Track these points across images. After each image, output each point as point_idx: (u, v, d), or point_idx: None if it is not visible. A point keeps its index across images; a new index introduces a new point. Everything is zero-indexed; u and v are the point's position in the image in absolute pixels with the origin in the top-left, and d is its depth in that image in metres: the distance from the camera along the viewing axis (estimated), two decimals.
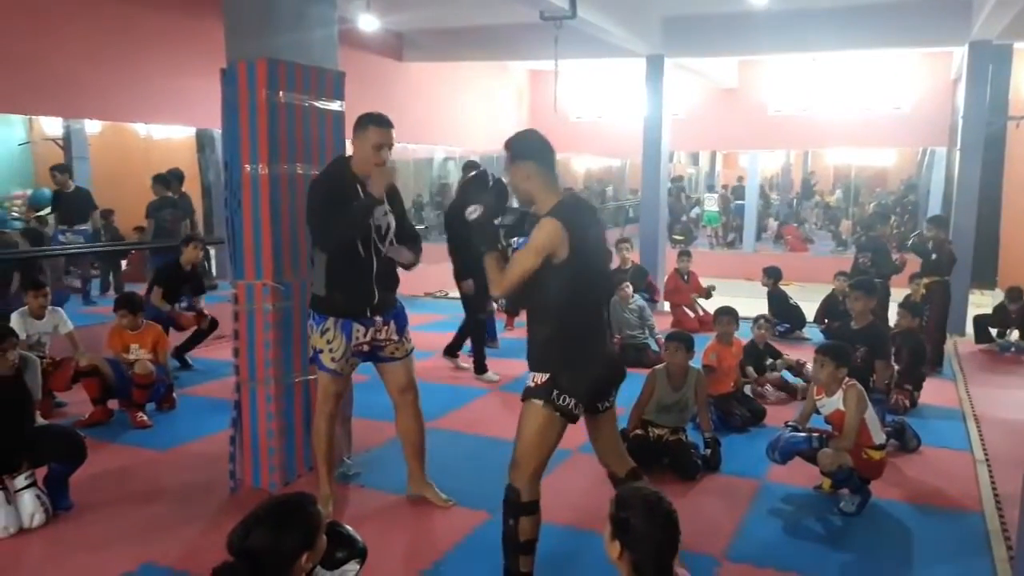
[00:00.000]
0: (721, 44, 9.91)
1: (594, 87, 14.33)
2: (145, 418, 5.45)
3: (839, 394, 4.19)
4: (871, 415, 4.18)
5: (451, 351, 7.21)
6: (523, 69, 14.43)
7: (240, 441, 4.30)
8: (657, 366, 4.95)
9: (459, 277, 6.67)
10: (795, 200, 19.21)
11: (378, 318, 3.83)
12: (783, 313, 8.42)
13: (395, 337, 3.92)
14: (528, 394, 3.00)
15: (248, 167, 4.05)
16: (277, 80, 3.98)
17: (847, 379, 4.22)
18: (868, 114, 12.76)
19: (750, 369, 6.20)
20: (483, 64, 12.72)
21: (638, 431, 4.76)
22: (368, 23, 9.06)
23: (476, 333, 6.94)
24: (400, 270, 3.97)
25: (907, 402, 5.81)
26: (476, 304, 6.76)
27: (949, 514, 4.16)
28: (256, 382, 4.21)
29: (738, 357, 5.87)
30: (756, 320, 6.52)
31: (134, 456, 4.90)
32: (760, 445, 5.14)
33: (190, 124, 9.98)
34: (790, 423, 4.42)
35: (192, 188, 11.48)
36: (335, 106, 4.37)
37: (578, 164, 17.72)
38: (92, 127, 10.43)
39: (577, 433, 5.29)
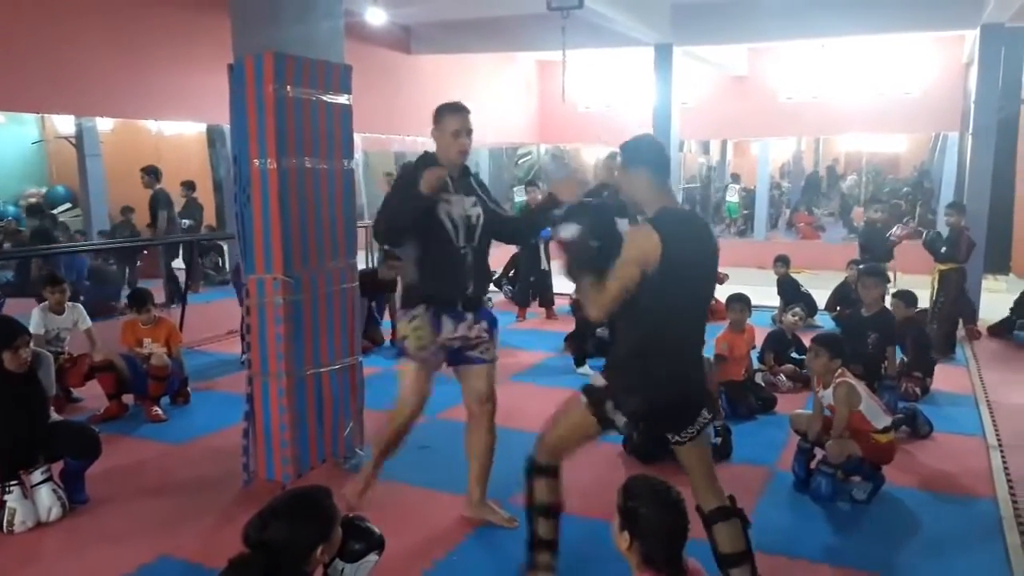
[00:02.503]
0: (730, 31, 9.86)
1: (602, 77, 14.27)
2: (160, 412, 5.50)
3: (832, 388, 4.20)
4: (867, 405, 4.17)
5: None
6: (531, 60, 14.41)
7: (253, 434, 4.33)
8: None
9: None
10: (822, 185, 18.96)
11: (469, 314, 3.70)
12: (793, 301, 8.39)
13: (485, 336, 3.77)
14: (584, 388, 2.90)
15: (257, 161, 4.06)
16: (284, 74, 3.99)
17: (840, 372, 4.22)
18: (879, 100, 12.66)
19: (768, 356, 6.18)
20: (491, 56, 12.69)
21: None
22: (375, 16, 9.06)
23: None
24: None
25: (917, 390, 5.78)
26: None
27: (961, 500, 4.15)
28: (268, 375, 4.24)
29: (750, 345, 5.86)
30: (790, 308, 6.45)
31: (149, 450, 4.95)
32: (770, 433, 5.16)
33: (200, 120, 10.04)
34: (801, 442, 4.37)
35: (203, 184, 11.58)
36: (342, 99, 4.38)
37: (587, 155, 17.66)
38: (104, 124, 10.51)
39: None
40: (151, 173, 9.48)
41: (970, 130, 9.06)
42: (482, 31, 10.65)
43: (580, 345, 6.80)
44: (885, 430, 4.16)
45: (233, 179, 4.25)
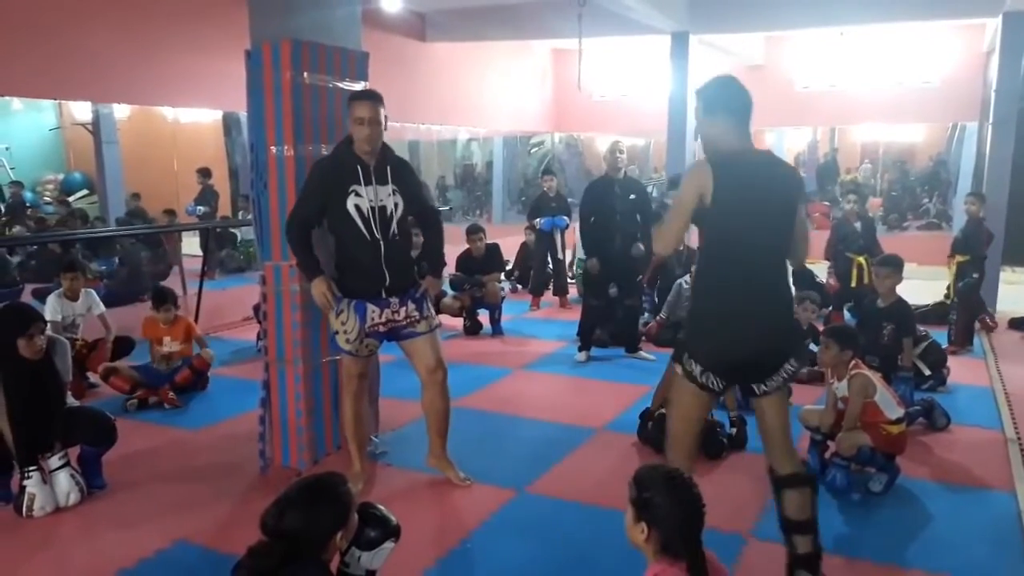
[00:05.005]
0: (748, 19, 9.77)
1: (618, 65, 14.19)
2: (174, 395, 5.52)
3: (847, 380, 4.17)
4: (881, 396, 4.13)
5: (631, 347, 6.91)
6: (546, 48, 14.34)
7: (269, 421, 4.36)
8: None
9: (587, 254, 6.70)
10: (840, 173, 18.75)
11: (393, 299, 3.83)
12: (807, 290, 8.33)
13: (415, 314, 3.91)
14: (672, 354, 2.93)
15: (274, 148, 4.07)
16: (301, 61, 3.99)
17: (853, 363, 4.19)
18: (898, 89, 12.54)
19: None
20: (506, 44, 12.64)
21: (663, 410, 4.75)
22: (391, 3, 9.04)
23: (584, 315, 6.84)
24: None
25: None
26: (592, 288, 6.72)
27: (979, 493, 4.12)
28: (284, 362, 4.25)
29: None
30: (801, 300, 6.41)
31: (166, 435, 4.99)
32: None
33: (216, 107, 10.07)
34: (814, 434, 4.35)
35: (219, 171, 11.61)
36: (359, 87, 4.37)
37: (602, 143, 17.62)
38: (120, 112, 10.55)
39: (602, 410, 5.39)
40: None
41: (990, 120, 8.94)
42: (498, 18, 10.60)
43: (587, 334, 6.80)
44: (897, 421, 4.12)
45: (250, 166, 4.26)
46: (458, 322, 7.95)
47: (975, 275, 6.96)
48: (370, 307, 3.80)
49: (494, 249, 8.12)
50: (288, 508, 2.15)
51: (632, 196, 6.39)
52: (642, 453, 4.68)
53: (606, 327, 6.96)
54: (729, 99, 2.77)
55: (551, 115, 15.14)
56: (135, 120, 11.73)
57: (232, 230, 11.27)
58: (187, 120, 11.73)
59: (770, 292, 2.78)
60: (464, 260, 8.01)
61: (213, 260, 9.60)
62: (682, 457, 2.87)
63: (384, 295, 3.81)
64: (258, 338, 6.97)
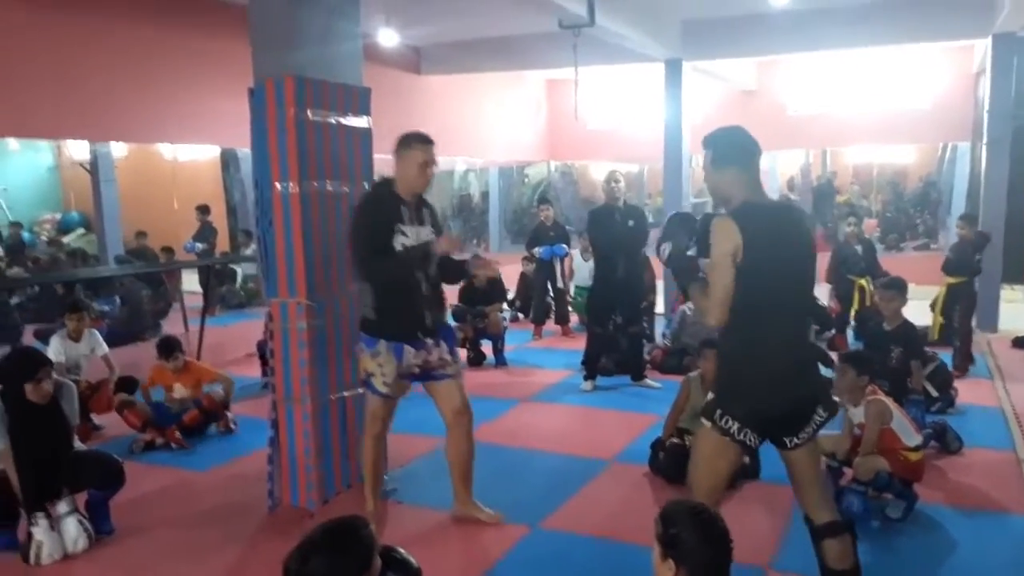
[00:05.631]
0: (740, 45, 9.86)
1: (611, 94, 14.30)
2: (180, 436, 5.46)
3: (863, 406, 4.15)
4: (898, 422, 4.11)
5: (636, 375, 6.88)
6: (540, 79, 14.44)
7: (278, 460, 4.31)
8: (691, 373, 4.91)
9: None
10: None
11: (429, 340, 3.81)
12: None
13: (447, 357, 3.90)
14: (700, 411, 2.85)
15: (279, 185, 4.06)
16: (305, 97, 4.00)
17: (870, 389, 4.17)
18: (889, 111, 12.62)
19: None
20: (500, 75, 12.73)
21: (674, 439, 4.72)
22: (388, 38, 9.11)
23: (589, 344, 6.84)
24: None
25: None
26: (596, 316, 6.75)
27: (997, 518, 4.08)
28: (292, 401, 4.21)
29: None
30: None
31: (173, 477, 4.92)
32: None
33: (215, 143, 10.08)
34: (829, 461, 4.30)
35: (217, 208, 11.61)
36: (362, 122, 4.39)
37: (596, 171, 17.71)
38: (118, 150, 10.57)
39: (611, 440, 5.35)
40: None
41: (984, 140, 9.01)
42: (492, 50, 10.68)
43: (592, 363, 6.78)
44: (916, 448, 4.10)
45: (254, 203, 4.25)
46: (461, 353, 7.89)
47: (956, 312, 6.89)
48: (407, 349, 3.75)
49: (496, 279, 8.11)
50: (312, 553, 2.10)
51: (631, 223, 6.41)
52: (654, 484, 4.63)
53: (611, 355, 6.94)
54: (738, 149, 2.78)
55: (546, 144, 15.22)
56: (132, 158, 11.77)
57: (232, 266, 11.24)
58: (185, 157, 11.77)
59: (799, 343, 2.82)
60: (466, 291, 7.98)
61: (214, 297, 9.57)
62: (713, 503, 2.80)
63: (421, 336, 3.78)
64: (263, 375, 6.93)
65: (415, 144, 3.67)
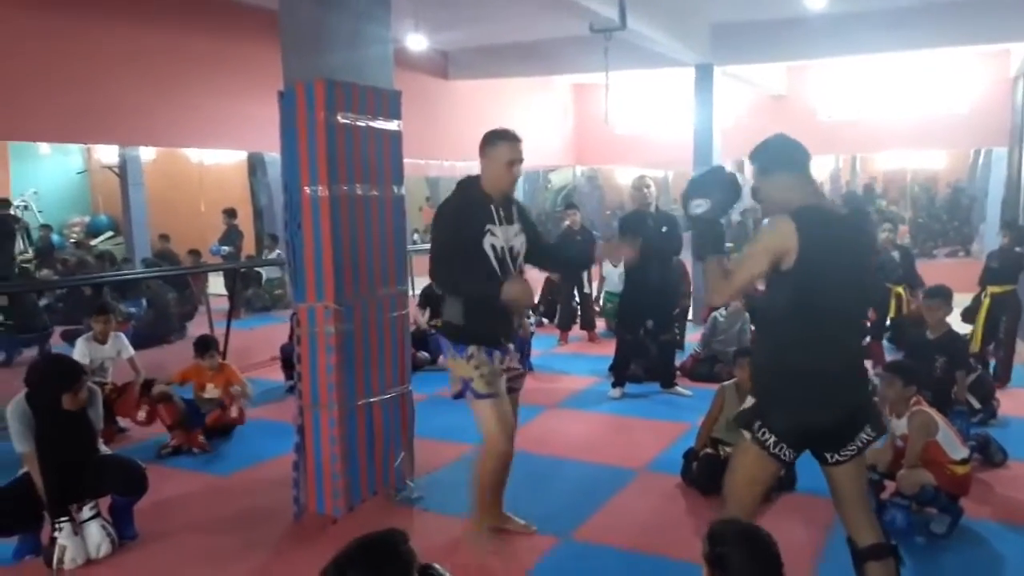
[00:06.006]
0: (771, 50, 9.72)
1: (639, 99, 14.19)
2: (204, 440, 5.42)
3: (906, 417, 4.01)
4: (944, 435, 3.97)
5: (666, 382, 6.75)
6: (567, 83, 14.38)
7: (303, 466, 4.25)
8: (726, 382, 4.79)
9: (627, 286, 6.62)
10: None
11: (511, 345, 3.68)
12: None
13: (518, 365, 3.79)
14: (737, 421, 2.76)
15: (308, 189, 4.01)
16: (335, 101, 3.94)
17: (914, 400, 4.04)
18: (923, 116, 12.41)
19: None
20: (527, 80, 12.69)
21: (708, 450, 4.60)
22: (416, 43, 9.09)
23: (618, 350, 6.72)
24: None
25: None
26: (626, 322, 6.65)
27: None
28: (319, 406, 4.15)
29: None
30: None
31: (197, 482, 4.88)
32: None
33: (243, 148, 10.11)
34: (870, 473, 4.13)
35: (243, 211, 11.65)
36: (392, 126, 4.33)
37: (621, 176, 17.61)
38: (147, 154, 10.64)
39: (642, 449, 5.24)
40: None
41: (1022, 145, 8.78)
42: (520, 55, 10.63)
43: (621, 370, 6.67)
44: (963, 461, 3.96)
45: (283, 207, 4.20)
46: None
47: (1004, 322, 6.63)
48: (496, 354, 3.57)
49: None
50: (348, 567, 2.02)
51: (664, 228, 6.30)
52: (687, 495, 4.52)
53: (640, 362, 6.82)
54: (784, 154, 2.67)
55: (572, 149, 15.14)
56: (160, 162, 11.85)
57: (258, 270, 11.26)
58: (212, 161, 11.82)
59: (851, 356, 2.69)
60: None
61: (239, 300, 9.58)
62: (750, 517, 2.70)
63: (504, 341, 3.62)
64: (286, 379, 6.90)
65: (500, 142, 3.52)
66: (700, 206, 2.68)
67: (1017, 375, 6.94)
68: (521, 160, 3.55)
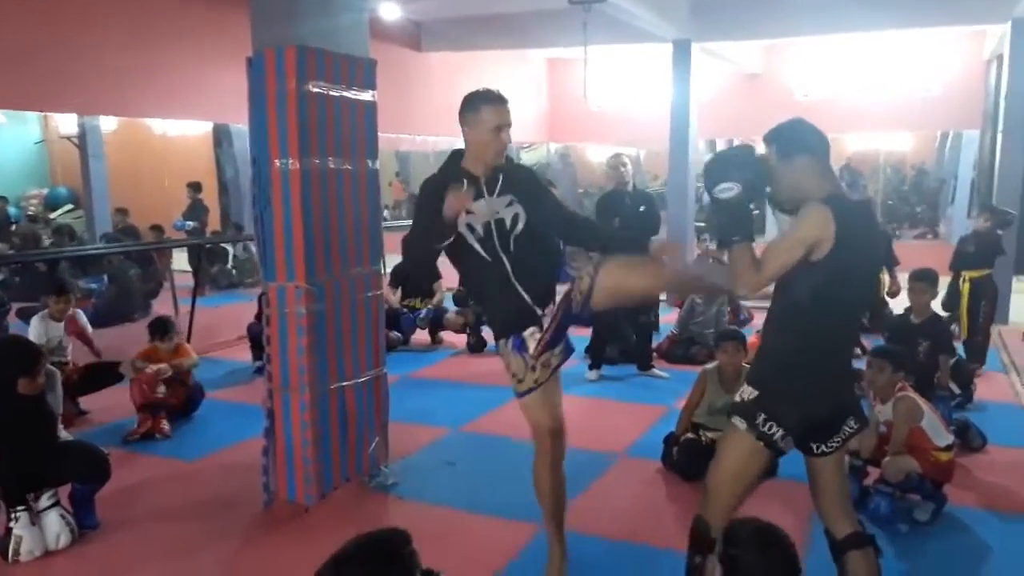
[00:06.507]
0: (750, 27, 9.60)
1: (615, 74, 14.01)
2: (165, 425, 5.20)
3: (891, 403, 3.96)
4: (929, 421, 3.93)
5: (643, 364, 6.64)
6: (541, 58, 14.15)
7: (273, 452, 4.08)
8: (708, 365, 4.69)
9: None
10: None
11: (546, 308, 3.12)
12: None
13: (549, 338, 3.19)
14: (732, 410, 2.61)
15: (278, 162, 3.81)
16: (307, 69, 3.74)
17: (899, 385, 3.98)
18: (898, 97, 12.39)
19: None
20: (501, 54, 12.44)
21: (689, 435, 4.52)
22: (389, 11, 8.83)
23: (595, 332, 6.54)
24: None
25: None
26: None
27: None
28: (290, 389, 3.98)
29: None
30: None
31: (161, 467, 4.69)
32: None
33: (209, 119, 9.79)
34: (853, 459, 4.06)
35: (209, 185, 11.33)
36: (367, 96, 4.13)
37: (594, 154, 17.48)
38: (108, 124, 10.28)
39: (621, 433, 5.15)
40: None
41: (1000, 128, 8.79)
42: (496, 27, 10.40)
43: (599, 351, 6.57)
44: (947, 448, 3.91)
45: (251, 181, 4.00)
46: (461, 339, 7.70)
47: (984, 307, 6.59)
48: (527, 334, 3.09)
49: None
50: (346, 567, 1.87)
51: (643, 208, 6.19)
52: (668, 481, 4.44)
53: (616, 344, 6.73)
54: (806, 137, 2.54)
55: (546, 125, 14.94)
56: (122, 133, 11.46)
57: (224, 246, 10.98)
58: (176, 132, 11.48)
59: (851, 348, 2.73)
60: None
61: (204, 277, 9.32)
62: (722, 516, 2.62)
63: (538, 312, 3.10)
64: (254, 359, 6.71)
65: (484, 105, 3.03)
66: (729, 190, 2.49)
67: (991, 359, 6.98)
68: (509, 124, 3.08)
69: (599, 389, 6.30)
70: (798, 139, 2.53)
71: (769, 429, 2.49)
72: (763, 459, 2.59)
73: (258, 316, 6.49)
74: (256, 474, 4.10)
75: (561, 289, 3.19)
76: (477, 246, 3.06)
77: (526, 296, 3.09)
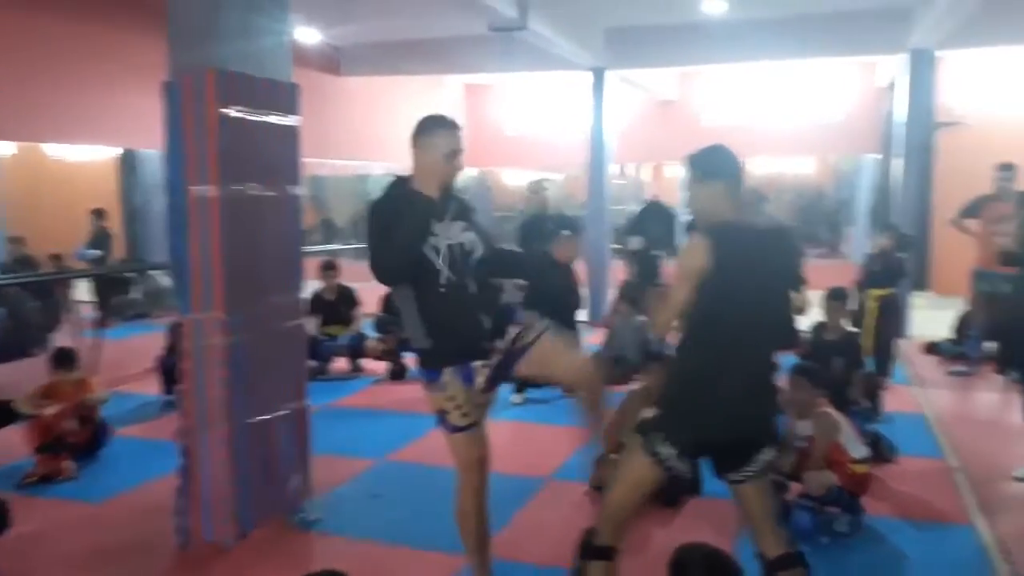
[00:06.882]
0: (663, 55, 9.89)
1: (531, 101, 14.19)
2: (68, 464, 4.90)
3: (811, 419, 4.07)
4: (846, 435, 4.06)
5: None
6: (459, 83, 14.21)
7: (189, 491, 3.90)
8: (635, 387, 4.74)
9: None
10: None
11: (497, 344, 3.15)
12: None
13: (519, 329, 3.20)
14: (636, 427, 2.74)
15: (196, 189, 3.68)
16: (227, 93, 3.64)
17: (819, 401, 4.10)
18: (801, 123, 12.94)
19: None
20: (419, 79, 12.45)
21: (615, 455, 4.53)
22: (308, 36, 8.71)
23: None
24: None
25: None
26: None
27: (941, 528, 4.08)
28: (207, 425, 3.82)
29: None
30: None
31: (64, 511, 4.41)
32: None
33: (116, 144, 9.42)
34: (773, 476, 4.17)
35: (115, 212, 10.88)
36: (290, 121, 4.04)
37: (510, 179, 17.61)
38: (5, 148, 9.79)
39: (547, 457, 5.13)
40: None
41: (898, 152, 9.26)
42: (416, 52, 10.39)
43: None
44: (863, 461, 4.05)
45: (167, 209, 3.84)
46: (382, 366, 7.57)
47: (888, 324, 6.88)
48: (478, 366, 3.10)
49: None
50: None
51: (566, 232, 6.24)
52: (597, 502, 4.41)
53: None
54: (724, 164, 2.70)
55: (465, 151, 14.96)
56: (20, 158, 10.92)
57: (130, 275, 10.53)
58: (80, 158, 10.99)
59: (761, 375, 2.69)
60: (390, 300, 7.65)
61: (109, 308, 8.91)
62: (614, 529, 2.74)
63: (485, 346, 3.11)
64: (164, 392, 6.44)
65: (438, 130, 3.07)
66: (635, 243, 2.78)
67: (895, 372, 7.29)
68: (462, 150, 3.11)
69: (524, 413, 6.29)
70: (715, 164, 2.69)
71: (662, 448, 2.58)
72: (656, 476, 2.66)
73: (169, 347, 6.24)
74: (170, 515, 3.92)
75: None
76: (443, 267, 3.02)
77: (487, 323, 3.10)
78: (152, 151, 8.98)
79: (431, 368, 3.11)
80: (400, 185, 3.14)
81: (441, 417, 3.16)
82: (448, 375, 3.07)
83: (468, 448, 3.18)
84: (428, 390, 3.15)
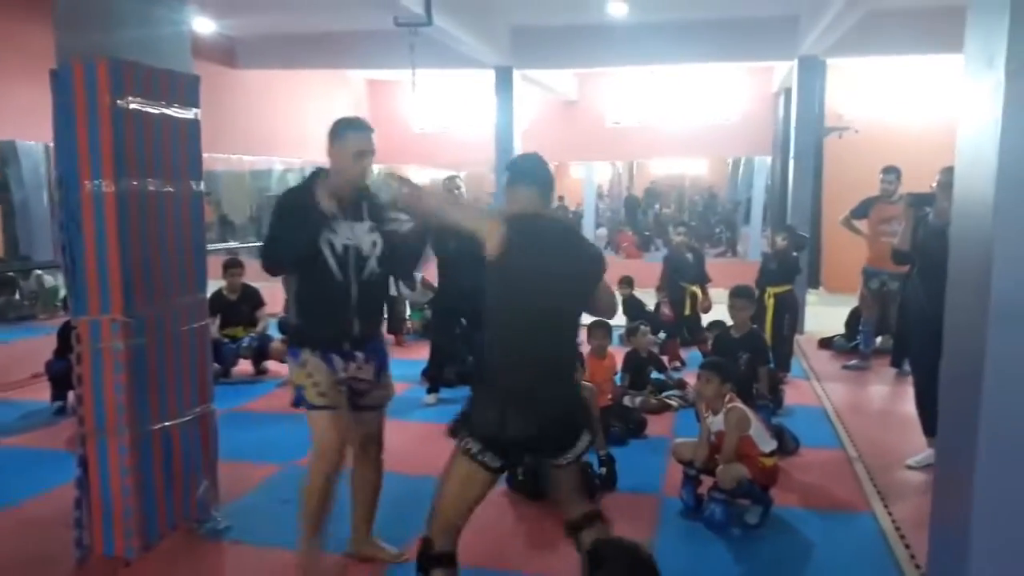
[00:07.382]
0: (566, 56, 9.99)
1: (439, 98, 14.10)
2: None
3: (722, 414, 4.19)
4: (756, 429, 4.19)
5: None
6: (361, 79, 13.98)
7: (87, 503, 3.68)
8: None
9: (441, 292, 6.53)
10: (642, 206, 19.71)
11: (359, 353, 3.34)
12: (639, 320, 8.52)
13: (372, 378, 3.41)
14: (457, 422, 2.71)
15: (89, 184, 3.46)
16: (122, 83, 3.43)
17: (729, 397, 4.22)
18: (698, 125, 13.33)
19: (626, 378, 6.17)
20: (320, 73, 12.18)
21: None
22: (202, 26, 8.36)
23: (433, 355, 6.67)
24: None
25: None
26: (439, 326, 6.65)
27: (843, 516, 4.24)
28: (106, 433, 3.61)
29: (612, 370, 5.80)
30: (636, 328, 6.49)
31: None
32: (647, 458, 5.11)
33: None
34: (687, 469, 4.29)
35: None
36: (190, 114, 3.85)
37: (417, 176, 17.46)
38: None
39: None
40: None
41: (791, 155, 9.65)
42: (317, 46, 10.14)
43: (436, 373, 6.53)
44: (771, 453, 4.18)
45: (59, 204, 3.61)
46: (286, 368, 7.34)
47: (787, 319, 7.14)
48: (335, 358, 3.29)
49: None
50: None
51: None
52: (515, 503, 4.43)
53: (453, 366, 6.70)
54: (529, 172, 2.83)
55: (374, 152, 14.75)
56: None
57: (11, 274, 9.88)
58: None
59: (555, 369, 2.71)
60: None
61: None
62: (443, 530, 2.74)
63: (349, 347, 3.31)
64: (53, 399, 6.07)
65: (347, 131, 3.24)
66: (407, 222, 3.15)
67: (793, 367, 7.60)
68: (372, 152, 3.27)
69: (438, 413, 6.21)
70: (525, 172, 2.82)
71: (468, 445, 2.62)
72: (484, 480, 2.68)
73: (58, 351, 5.88)
74: (66, 528, 3.68)
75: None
76: (332, 263, 3.20)
77: (357, 326, 3.30)
78: (34, 143, 8.45)
79: (294, 346, 3.32)
80: (313, 180, 3.31)
81: (300, 395, 3.30)
82: (308, 354, 3.25)
83: (326, 430, 3.25)
84: (290, 366, 3.36)
